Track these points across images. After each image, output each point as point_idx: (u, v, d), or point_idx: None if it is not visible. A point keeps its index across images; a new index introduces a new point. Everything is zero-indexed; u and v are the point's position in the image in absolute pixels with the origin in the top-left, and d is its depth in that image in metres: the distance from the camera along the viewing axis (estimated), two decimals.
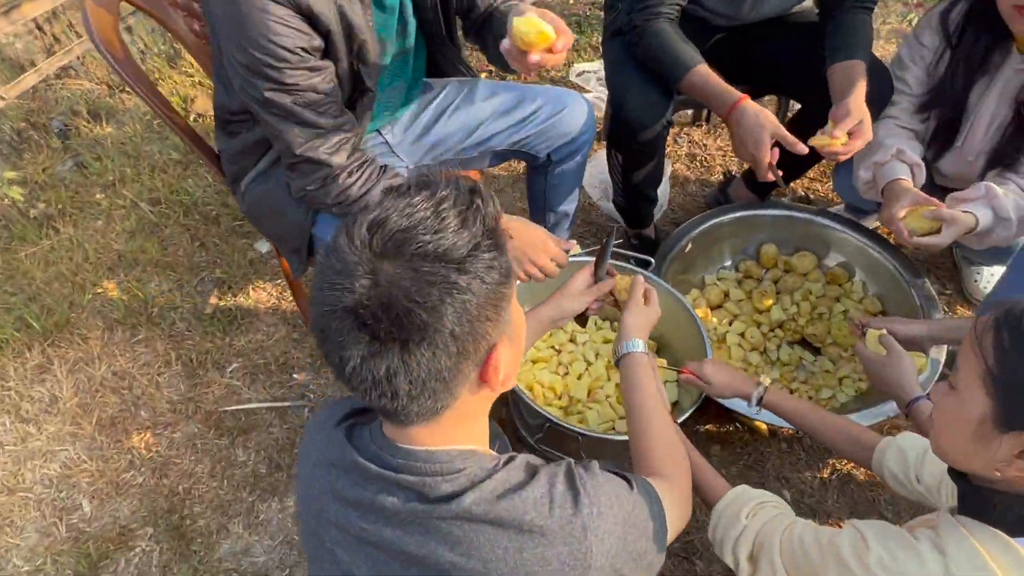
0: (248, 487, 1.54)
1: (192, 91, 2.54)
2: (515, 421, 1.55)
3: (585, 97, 1.51)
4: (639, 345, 1.05)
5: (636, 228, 1.89)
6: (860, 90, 1.36)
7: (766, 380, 1.28)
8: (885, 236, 1.90)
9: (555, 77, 2.68)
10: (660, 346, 1.62)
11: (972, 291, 1.84)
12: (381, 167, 1.13)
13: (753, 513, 0.96)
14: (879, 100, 1.51)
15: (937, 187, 1.67)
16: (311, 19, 0.99)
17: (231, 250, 2.00)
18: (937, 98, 1.52)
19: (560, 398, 1.48)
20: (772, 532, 0.91)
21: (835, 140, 1.34)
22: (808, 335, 1.73)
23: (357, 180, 1.09)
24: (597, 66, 2.63)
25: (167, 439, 1.62)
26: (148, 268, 1.96)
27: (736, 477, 1.54)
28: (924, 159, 1.57)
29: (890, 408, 1.42)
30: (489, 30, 1.27)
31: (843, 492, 1.52)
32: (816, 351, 1.73)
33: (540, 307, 1.12)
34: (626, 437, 1.29)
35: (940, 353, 1.51)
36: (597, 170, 2.09)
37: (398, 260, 0.54)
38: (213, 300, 1.89)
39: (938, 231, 1.37)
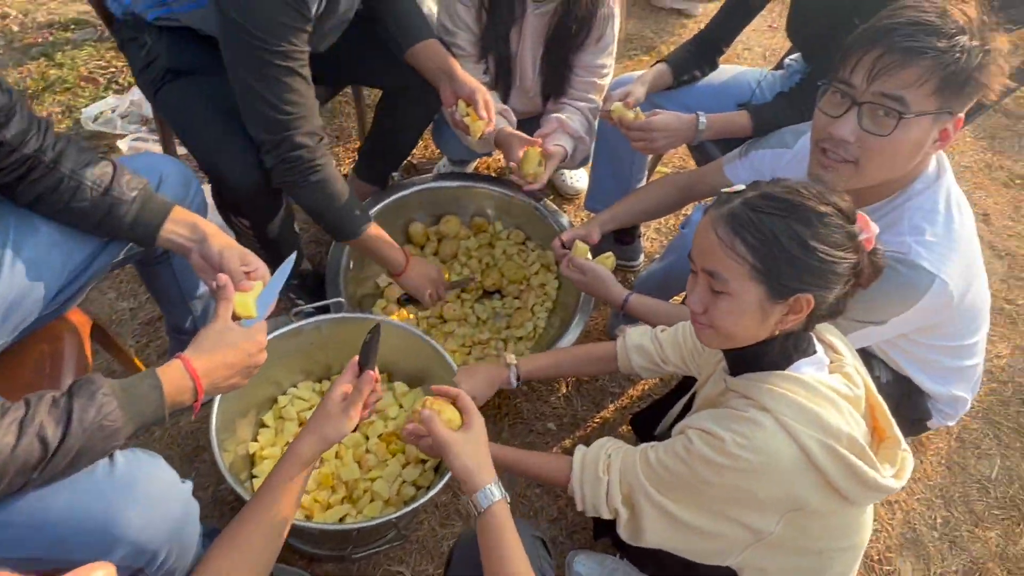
0: None
1: None
2: (307, 550, 1.29)
3: (173, 159, 1.21)
4: (495, 492, 0.86)
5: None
6: (457, 64, 1.44)
7: (511, 358, 1.35)
8: (491, 175, 2.13)
9: (64, 130, 2.09)
10: (392, 375, 1.53)
11: (566, 190, 2.23)
12: (25, 402, 0.71)
13: (606, 466, 1.04)
14: None
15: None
16: None
17: None
18: (486, 49, 1.69)
19: (335, 490, 1.29)
20: (631, 471, 1.00)
21: (480, 120, 1.43)
22: (488, 286, 1.86)
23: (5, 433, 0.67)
24: (115, 101, 2.13)
25: None
26: None
27: (511, 437, 1.63)
28: None
29: (582, 316, 1.66)
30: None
31: (581, 394, 1.76)
32: (499, 294, 1.88)
33: (296, 444, 0.86)
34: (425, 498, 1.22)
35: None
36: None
37: None
38: None
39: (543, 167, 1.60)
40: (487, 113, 1.41)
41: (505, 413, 1.68)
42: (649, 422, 1.46)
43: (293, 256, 1.06)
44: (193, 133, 1.33)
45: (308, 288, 1.69)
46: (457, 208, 1.95)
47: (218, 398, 1.19)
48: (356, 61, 1.59)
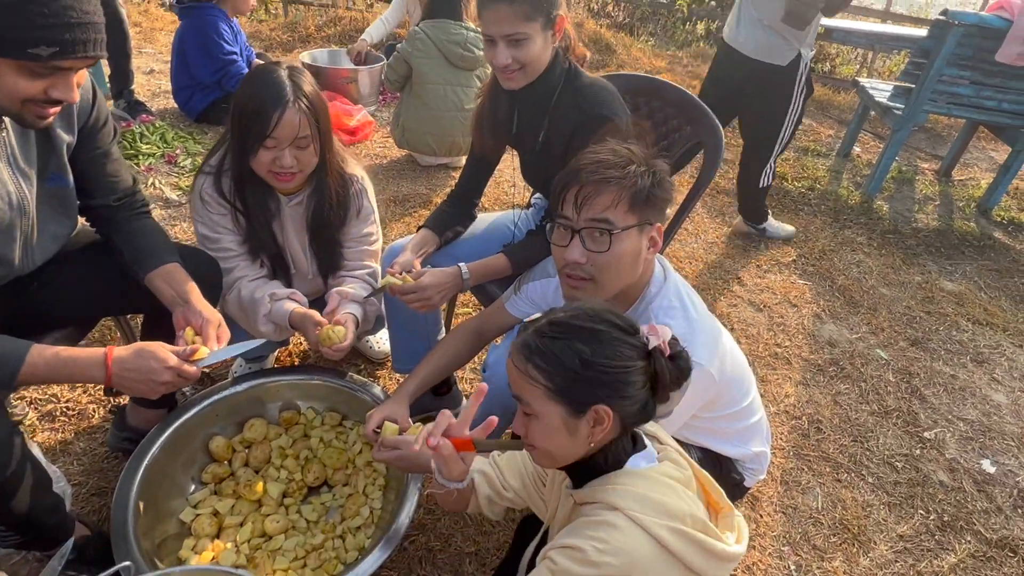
0: None
1: None
2: None
3: None
4: None
5: (52, 545, 1.42)
6: (195, 289, 1.39)
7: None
8: (292, 364, 2.06)
9: None
10: None
11: (374, 355, 2.22)
12: None
13: None
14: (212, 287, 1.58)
15: None
16: None
17: None
18: (255, 247, 1.69)
19: None
20: None
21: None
22: (312, 483, 1.73)
23: None
24: None
25: None
26: None
27: None
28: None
29: (415, 484, 1.60)
30: None
31: (437, 566, 1.65)
32: (326, 486, 1.76)
33: None
34: None
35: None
36: None
37: None
38: None
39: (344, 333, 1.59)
40: (216, 343, 1.34)
41: None
42: (509, 571, 1.41)
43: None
44: None
45: (90, 558, 1.43)
46: (262, 409, 1.84)
47: None
48: (105, 292, 1.49)
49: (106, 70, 3.58)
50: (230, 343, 1.38)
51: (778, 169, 4.16)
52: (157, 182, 3.02)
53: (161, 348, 1.19)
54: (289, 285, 1.81)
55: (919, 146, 5.00)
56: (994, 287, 3.26)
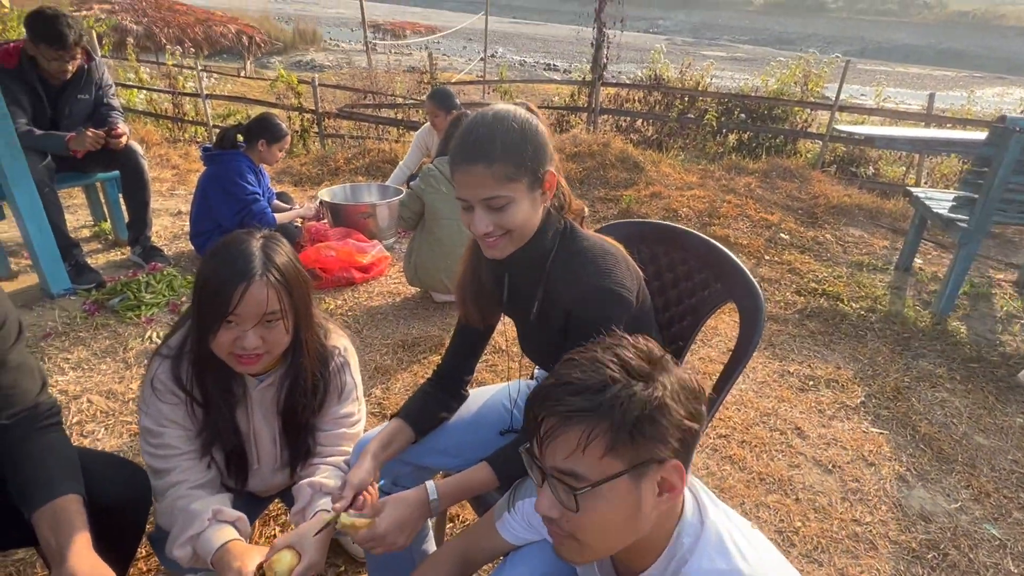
0: None
1: None
2: None
3: None
4: None
5: None
6: (81, 538, 1.08)
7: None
8: None
9: None
10: None
11: (357, 552, 1.85)
12: None
13: None
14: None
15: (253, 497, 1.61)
16: None
17: None
18: (209, 442, 1.42)
19: None
20: None
21: None
22: None
23: None
24: None
25: None
26: None
27: None
28: (232, 488, 1.49)
29: None
30: None
31: None
32: None
33: None
34: None
35: None
36: None
37: None
38: None
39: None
40: None
41: None
42: None
43: None
44: None
45: None
46: None
47: None
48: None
49: (126, 217, 3.59)
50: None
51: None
52: (155, 335, 2.86)
53: None
54: (245, 483, 1.52)
55: (989, 254, 4.54)
56: None
